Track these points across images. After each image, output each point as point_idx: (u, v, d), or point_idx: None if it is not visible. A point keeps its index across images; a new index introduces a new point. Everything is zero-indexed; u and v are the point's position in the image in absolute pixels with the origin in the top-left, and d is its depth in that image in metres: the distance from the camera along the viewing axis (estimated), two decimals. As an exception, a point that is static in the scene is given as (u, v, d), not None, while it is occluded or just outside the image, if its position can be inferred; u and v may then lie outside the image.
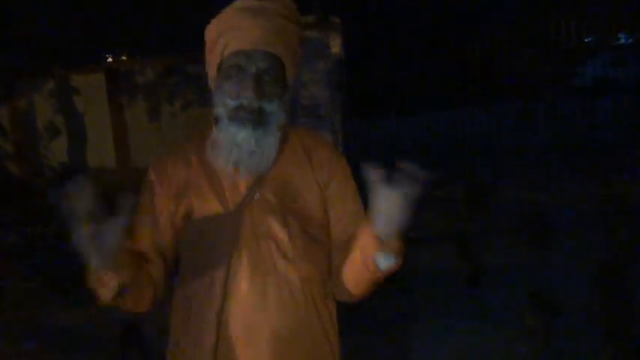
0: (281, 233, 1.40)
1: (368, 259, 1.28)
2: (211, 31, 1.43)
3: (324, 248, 1.48)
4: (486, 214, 6.45)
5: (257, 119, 1.36)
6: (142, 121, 9.88)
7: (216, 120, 1.41)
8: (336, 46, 8.35)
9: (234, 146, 1.36)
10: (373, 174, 1.18)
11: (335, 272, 1.49)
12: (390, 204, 1.17)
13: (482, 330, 3.84)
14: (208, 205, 1.41)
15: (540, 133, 10.40)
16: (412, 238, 5.81)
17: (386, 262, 1.26)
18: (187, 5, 8.92)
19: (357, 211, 1.51)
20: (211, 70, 1.44)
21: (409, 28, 16.12)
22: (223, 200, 1.40)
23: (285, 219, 1.41)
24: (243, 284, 1.37)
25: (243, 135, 1.36)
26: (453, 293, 4.47)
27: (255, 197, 1.40)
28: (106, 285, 1.24)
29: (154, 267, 1.44)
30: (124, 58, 11.38)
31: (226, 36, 1.37)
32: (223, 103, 1.38)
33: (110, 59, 11.32)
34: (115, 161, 10.09)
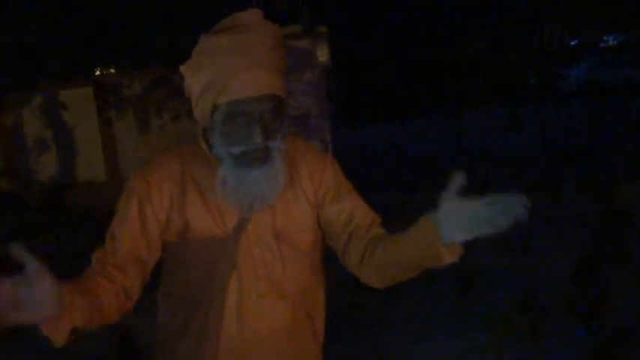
0: (276, 255, 1.42)
1: (418, 261, 1.29)
2: (196, 75, 1.35)
3: (315, 260, 1.51)
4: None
5: (264, 157, 1.34)
6: (132, 133, 9.87)
7: (219, 158, 1.38)
8: (323, 55, 8.40)
9: (245, 186, 1.34)
10: (457, 179, 1.17)
11: (347, 253, 1.47)
12: (479, 219, 1.15)
13: (472, 333, 3.86)
14: (204, 226, 1.40)
15: (527, 137, 10.49)
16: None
17: (452, 260, 1.25)
18: (174, 18, 8.95)
19: (358, 204, 1.51)
20: (202, 114, 1.37)
21: (397, 36, 16.22)
22: (220, 225, 1.40)
23: (279, 239, 1.42)
24: (240, 307, 1.40)
25: (253, 175, 1.34)
26: (442, 297, 4.49)
27: (251, 223, 1.40)
28: (55, 331, 1.20)
29: (127, 278, 1.39)
30: (111, 71, 11.38)
31: (217, 83, 1.30)
32: (225, 148, 1.34)
33: (98, 72, 11.32)
34: (105, 175, 10.07)
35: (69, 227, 7.82)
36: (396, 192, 8.26)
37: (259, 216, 1.41)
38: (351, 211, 1.48)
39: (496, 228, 1.13)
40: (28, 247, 1.11)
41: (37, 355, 4.20)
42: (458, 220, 1.17)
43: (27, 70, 9.60)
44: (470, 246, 1.21)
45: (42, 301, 1.11)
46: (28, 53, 9.33)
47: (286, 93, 1.38)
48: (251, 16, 1.35)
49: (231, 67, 1.29)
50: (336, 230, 1.48)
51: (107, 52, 10.16)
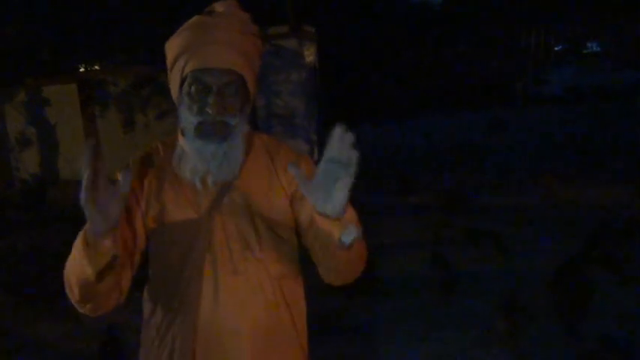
0: (249, 234, 1.45)
1: (332, 242, 1.26)
2: (171, 48, 1.47)
3: (293, 248, 1.53)
4: (460, 221, 6.51)
5: (221, 133, 1.41)
6: (116, 131, 9.80)
7: (183, 132, 1.46)
8: (310, 55, 8.40)
9: (201, 160, 1.41)
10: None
11: (315, 261, 1.48)
12: (328, 181, 1.15)
13: (455, 335, 3.88)
14: (181, 210, 1.44)
15: (512, 140, 10.58)
16: (386, 245, 5.86)
17: (349, 238, 1.23)
18: (160, 15, 8.89)
19: None
20: (174, 87, 1.48)
21: (383, 38, 16.27)
22: (195, 205, 1.44)
23: (253, 220, 1.46)
24: (216, 285, 1.42)
25: (210, 149, 1.41)
26: (427, 300, 4.50)
27: (224, 201, 1.45)
28: (100, 250, 1.21)
29: (123, 270, 1.41)
30: (96, 68, 11.29)
31: (185, 55, 1.42)
32: (187, 120, 1.42)
33: (82, 69, 11.22)
34: (88, 172, 9.98)
35: (51, 225, 7.73)
36: (384, 192, 8.28)
37: (234, 196, 1.45)
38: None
39: (346, 179, 1.13)
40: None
41: (23, 354, 4.15)
42: (316, 189, 1.17)
43: (11, 66, 9.49)
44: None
45: (109, 213, 1.17)
46: (12, 48, 9.23)
47: (253, 79, 1.47)
48: (225, 3, 1.46)
49: (198, 40, 1.40)
50: (302, 230, 1.51)
51: (92, 48, 10.08)
